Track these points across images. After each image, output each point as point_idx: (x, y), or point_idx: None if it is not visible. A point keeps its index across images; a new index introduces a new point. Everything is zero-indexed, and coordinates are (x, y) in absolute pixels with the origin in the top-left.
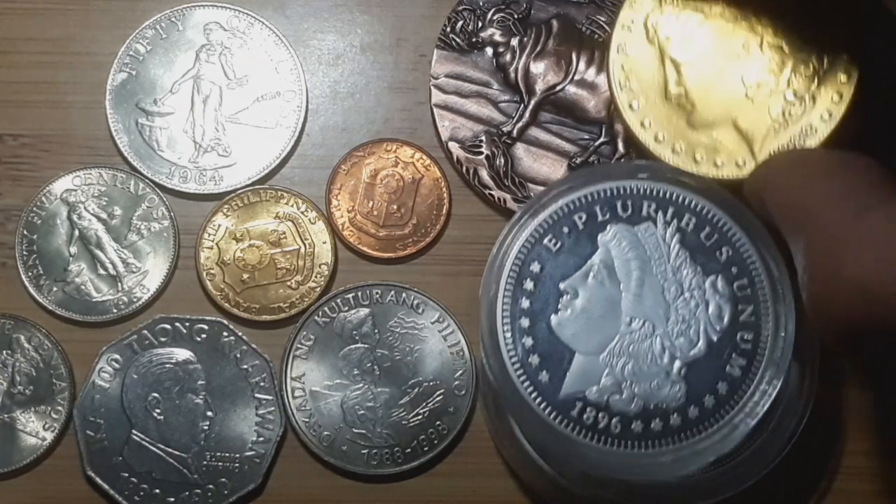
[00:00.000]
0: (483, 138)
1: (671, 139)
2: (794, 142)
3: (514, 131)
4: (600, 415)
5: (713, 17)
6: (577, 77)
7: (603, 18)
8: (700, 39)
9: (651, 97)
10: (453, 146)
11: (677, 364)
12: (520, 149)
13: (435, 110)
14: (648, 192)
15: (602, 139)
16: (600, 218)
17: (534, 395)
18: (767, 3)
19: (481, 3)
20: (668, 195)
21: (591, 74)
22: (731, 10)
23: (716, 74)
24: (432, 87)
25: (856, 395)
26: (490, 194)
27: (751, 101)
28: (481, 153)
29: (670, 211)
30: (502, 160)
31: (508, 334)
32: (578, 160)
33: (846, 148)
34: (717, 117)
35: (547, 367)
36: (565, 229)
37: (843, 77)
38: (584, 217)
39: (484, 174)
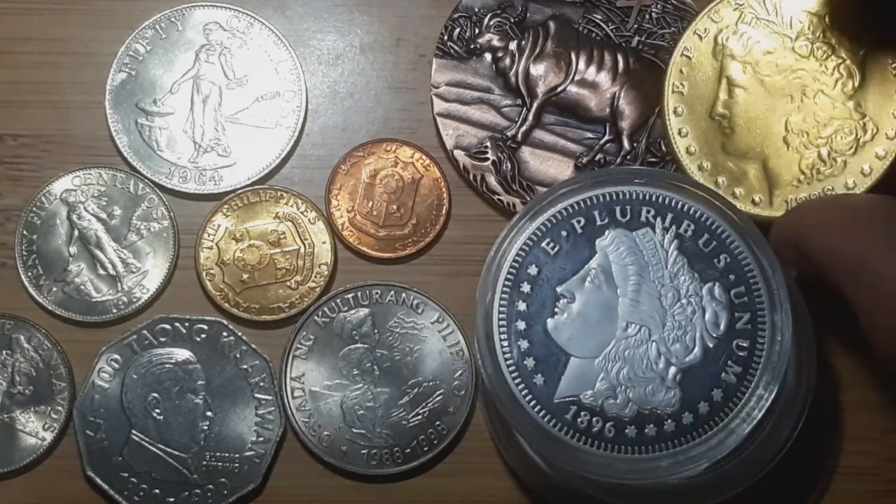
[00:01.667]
0: (488, 144)
1: (701, 156)
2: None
3: (519, 135)
4: (594, 419)
5: (782, 52)
6: (577, 77)
7: (599, 17)
8: (761, 70)
9: (697, 109)
10: (459, 154)
11: (672, 370)
12: (525, 152)
13: (438, 119)
14: (648, 197)
15: (607, 137)
16: (599, 222)
17: (528, 397)
18: (840, 60)
19: (477, 10)
20: (667, 201)
21: (591, 73)
22: (802, 51)
23: (764, 108)
24: (434, 97)
25: (856, 395)
26: (499, 200)
27: (787, 145)
28: (487, 159)
29: (669, 217)
30: (509, 165)
31: (504, 337)
32: (584, 160)
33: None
34: (751, 150)
35: (542, 371)
36: (564, 233)
37: (879, 151)
38: (582, 221)
39: (492, 180)
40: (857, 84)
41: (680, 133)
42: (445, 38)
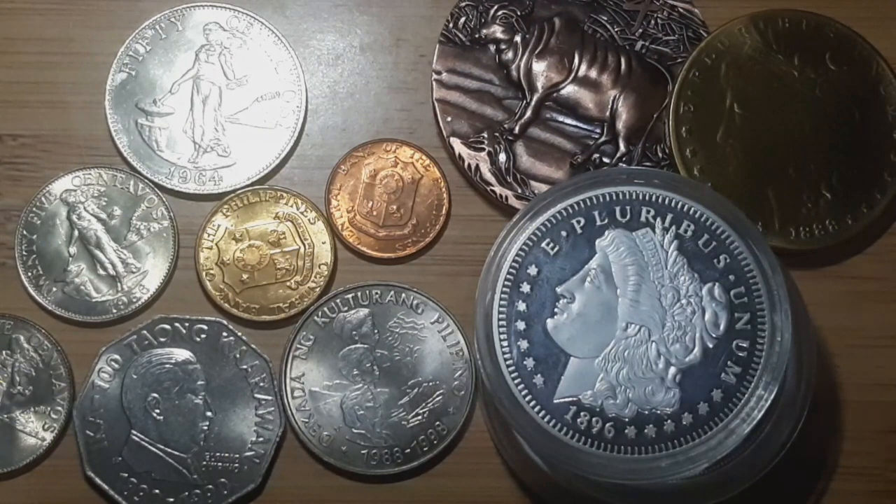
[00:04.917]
0: (485, 134)
1: (709, 177)
2: (816, 229)
3: (516, 128)
4: (594, 419)
5: (788, 84)
6: (579, 75)
7: (605, 18)
8: (769, 99)
9: (705, 132)
10: (455, 142)
11: (672, 370)
12: (521, 146)
13: (437, 104)
14: (647, 198)
15: (604, 138)
16: (599, 223)
17: (528, 398)
18: (843, 95)
19: (484, 0)
20: (667, 202)
21: (593, 73)
22: (808, 85)
23: (771, 137)
24: (434, 82)
25: (856, 395)
26: (492, 191)
27: (794, 175)
28: (483, 149)
29: (669, 217)
30: (504, 157)
31: (504, 337)
32: (580, 158)
33: None
34: (757, 178)
35: (542, 371)
36: (563, 233)
37: (878, 194)
38: (582, 221)
39: (485, 170)
40: (860, 119)
41: (689, 153)
42: (450, 25)
